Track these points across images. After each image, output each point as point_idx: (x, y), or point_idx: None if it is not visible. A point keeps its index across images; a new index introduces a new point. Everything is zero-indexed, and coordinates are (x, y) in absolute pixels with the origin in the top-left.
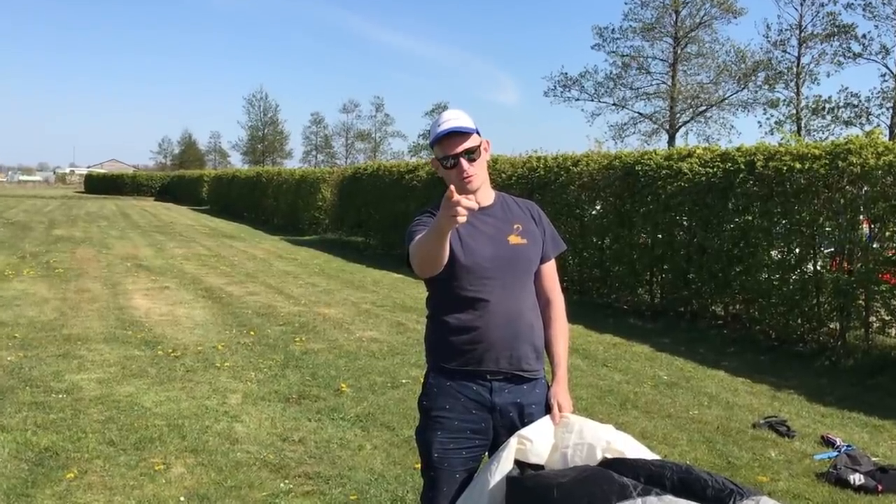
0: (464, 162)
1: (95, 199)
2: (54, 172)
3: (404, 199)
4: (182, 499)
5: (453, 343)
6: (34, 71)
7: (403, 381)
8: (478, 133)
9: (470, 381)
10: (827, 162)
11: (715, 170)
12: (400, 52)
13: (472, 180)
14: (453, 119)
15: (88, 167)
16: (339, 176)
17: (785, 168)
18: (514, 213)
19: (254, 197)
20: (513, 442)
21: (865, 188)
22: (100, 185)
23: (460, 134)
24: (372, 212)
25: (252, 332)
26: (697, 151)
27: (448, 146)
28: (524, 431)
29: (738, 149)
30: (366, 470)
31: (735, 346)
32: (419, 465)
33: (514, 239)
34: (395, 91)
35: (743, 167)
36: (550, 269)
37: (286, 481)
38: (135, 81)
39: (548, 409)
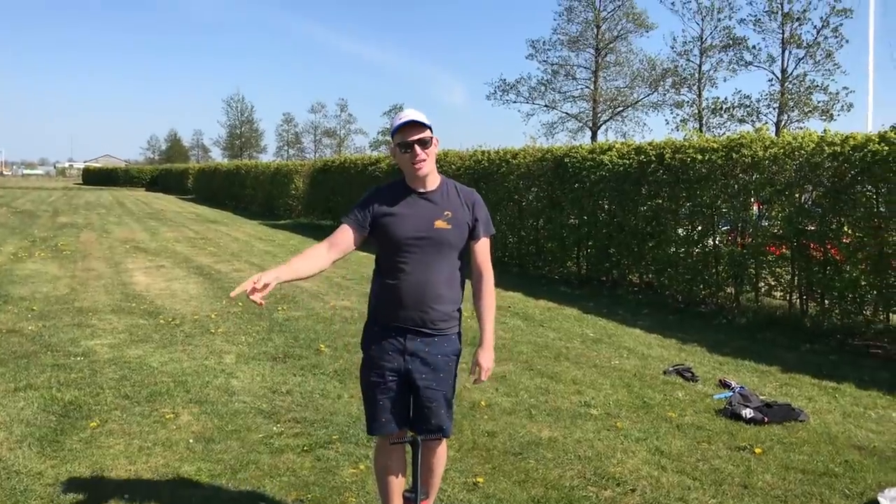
0: (417, 148)
1: (93, 190)
2: (54, 166)
3: (367, 187)
4: (191, 441)
5: (378, 301)
6: (33, 74)
7: None
8: (430, 130)
9: (389, 331)
10: (724, 154)
11: (631, 161)
12: (360, 58)
13: (422, 165)
14: (412, 114)
15: (85, 162)
16: (309, 168)
17: (689, 159)
18: (451, 200)
19: (234, 187)
20: None
21: (755, 175)
22: (96, 177)
23: (416, 125)
24: (339, 199)
25: (240, 304)
26: (616, 146)
27: (406, 133)
28: None
29: (650, 143)
30: (345, 415)
31: (648, 308)
32: None
33: (440, 223)
34: (357, 93)
35: (654, 159)
36: (482, 248)
37: (278, 425)
38: (125, 84)
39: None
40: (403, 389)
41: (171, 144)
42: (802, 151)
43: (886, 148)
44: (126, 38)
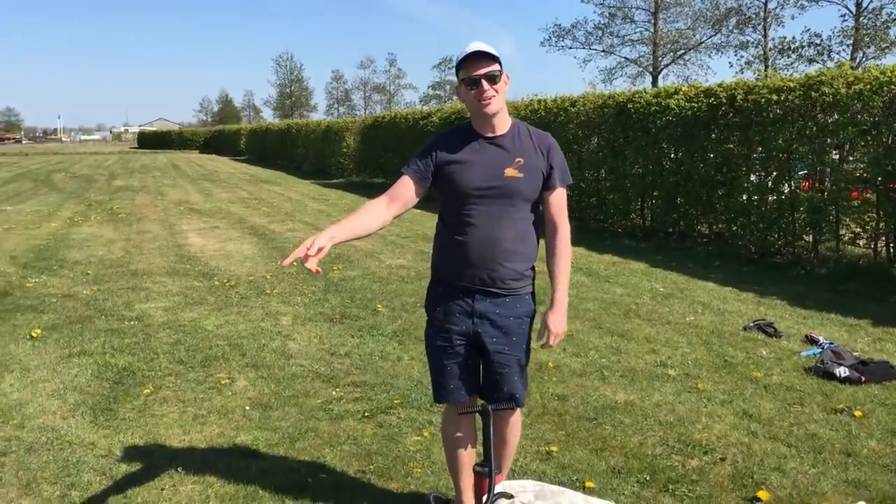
0: (484, 83)
1: (148, 154)
2: (110, 132)
3: (420, 143)
4: (247, 408)
5: (443, 258)
6: (88, 42)
7: None
8: (499, 63)
9: (455, 291)
10: (801, 93)
11: (699, 104)
12: (407, 10)
13: (490, 102)
14: (478, 45)
15: (140, 126)
16: (360, 125)
17: (763, 100)
18: (524, 145)
19: (286, 147)
20: None
21: (837, 115)
22: (151, 141)
23: (484, 56)
24: (391, 156)
25: (295, 264)
26: (683, 89)
27: (472, 67)
28: None
29: (720, 85)
30: (406, 378)
31: (720, 260)
32: None
33: (510, 171)
34: (406, 48)
35: (725, 101)
36: (557, 198)
37: (337, 389)
38: (176, 47)
39: (541, 334)
40: (472, 354)
41: (223, 106)
42: (892, 87)
43: None
44: (172, 4)
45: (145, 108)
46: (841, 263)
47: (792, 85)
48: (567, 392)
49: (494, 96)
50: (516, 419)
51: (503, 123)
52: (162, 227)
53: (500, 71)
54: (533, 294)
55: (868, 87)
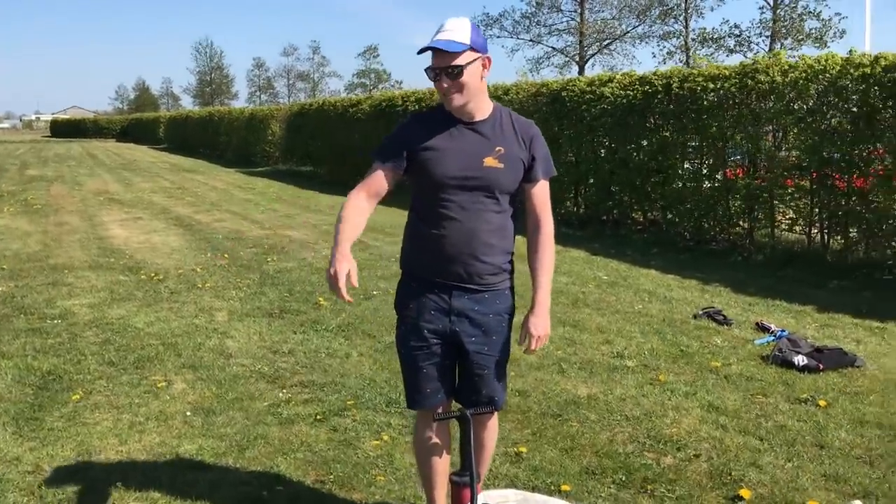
0: (444, 78)
1: (62, 142)
2: (20, 120)
3: (348, 131)
4: (188, 413)
5: (416, 252)
6: None
7: (374, 292)
8: (473, 49)
9: (431, 287)
10: (736, 81)
11: (635, 92)
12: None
13: (451, 98)
14: (447, 32)
15: (52, 114)
16: (286, 113)
17: (699, 88)
18: (505, 133)
19: (208, 135)
20: None
21: (773, 103)
22: (64, 129)
23: (443, 51)
24: (319, 144)
25: (226, 255)
26: (617, 77)
27: (434, 58)
28: None
29: (655, 73)
30: (357, 376)
31: (657, 247)
32: None
33: (490, 161)
34: (330, 36)
35: (660, 89)
36: (540, 191)
37: (283, 391)
38: (89, 34)
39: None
40: (449, 354)
41: (140, 93)
42: (827, 75)
43: None
44: None
45: (58, 95)
46: (777, 250)
47: (727, 73)
48: (527, 387)
49: (456, 92)
50: (494, 422)
51: (481, 110)
52: (81, 219)
53: (467, 64)
54: (512, 289)
55: (803, 75)
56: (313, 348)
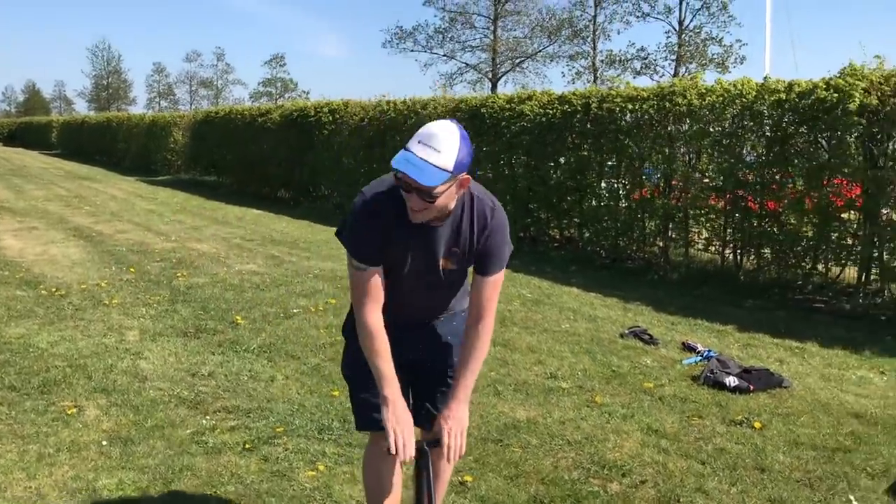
0: (415, 197)
1: None
2: None
3: (257, 140)
4: (104, 443)
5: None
6: None
7: (294, 310)
8: (453, 174)
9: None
10: (655, 103)
11: (554, 111)
12: (236, 4)
13: (416, 214)
14: (430, 151)
15: None
16: (190, 120)
17: (617, 108)
18: (461, 234)
19: (105, 141)
20: None
21: (690, 125)
22: None
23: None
24: (225, 153)
25: (132, 269)
26: (536, 95)
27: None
28: None
29: (574, 93)
30: (284, 401)
31: (575, 265)
32: (336, 393)
33: (444, 263)
34: (234, 42)
35: (579, 108)
36: (488, 286)
37: (207, 417)
38: None
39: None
40: (404, 375)
41: (30, 96)
42: (743, 99)
43: (835, 95)
44: None
45: None
46: (691, 269)
47: (646, 94)
48: None
49: (423, 209)
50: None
51: (444, 215)
52: None
53: (446, 188)
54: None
55: (720, 99)
56: (234, 371)
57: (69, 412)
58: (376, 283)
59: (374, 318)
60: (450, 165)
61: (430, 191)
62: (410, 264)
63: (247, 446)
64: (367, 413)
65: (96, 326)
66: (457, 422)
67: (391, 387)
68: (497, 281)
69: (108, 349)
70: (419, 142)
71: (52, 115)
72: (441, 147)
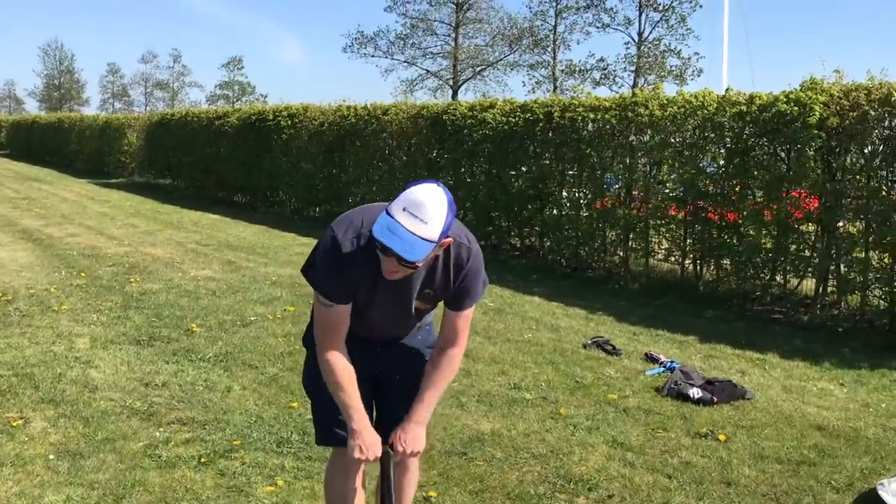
0: (394, 264)
1: None
2: None
3: (214, 143)
4: (51, 457)
5: None
6: None
7: (252, 318)
8: (438, 243)
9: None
10: (617, 113)
11: (517, 119)
12: (192, 6)
13: (393, 275)
14: (417, 223)
15: None
16: (145, 122)
17: (580, 118)
18: (436, 277)
19: (56, 142)
20: None
21: (652, 136)
22: None
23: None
24: (181, 156)
25: (83, 274)
26: (498, 103)
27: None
28: None
29: (536, 101)
30: (241, 412)
31: (536, 273)
32: (295, 405)
33: (418, 304)
34: (191, 44)
35: (542, 117)
36: (460, 318)
37: (160, 429)
38: None
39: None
40: (367, 386)
41: None
42: (705, 111)
43: (796, 108)
44: None
45: None
46: (652, 279)
47: (608, 104)
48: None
49: (398, 272)
50: (415, 465)
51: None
52: None
53: (427, 259)
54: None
55: (682, 110)
56: (189, 381)
57: (14, 424)
58: (343, 319)
59: (337, 353)
60: (436, 236)
61: (415, 263)
62: (381, 303)
63: (202, 460)
64: (329, 427)
65: (44, 333)
66: (412, 442)
67: (357, 417)
68: (469, 314)
69: (56, 357)
70: (404, 209)
71: (1, 115)
72: (428, 218)
